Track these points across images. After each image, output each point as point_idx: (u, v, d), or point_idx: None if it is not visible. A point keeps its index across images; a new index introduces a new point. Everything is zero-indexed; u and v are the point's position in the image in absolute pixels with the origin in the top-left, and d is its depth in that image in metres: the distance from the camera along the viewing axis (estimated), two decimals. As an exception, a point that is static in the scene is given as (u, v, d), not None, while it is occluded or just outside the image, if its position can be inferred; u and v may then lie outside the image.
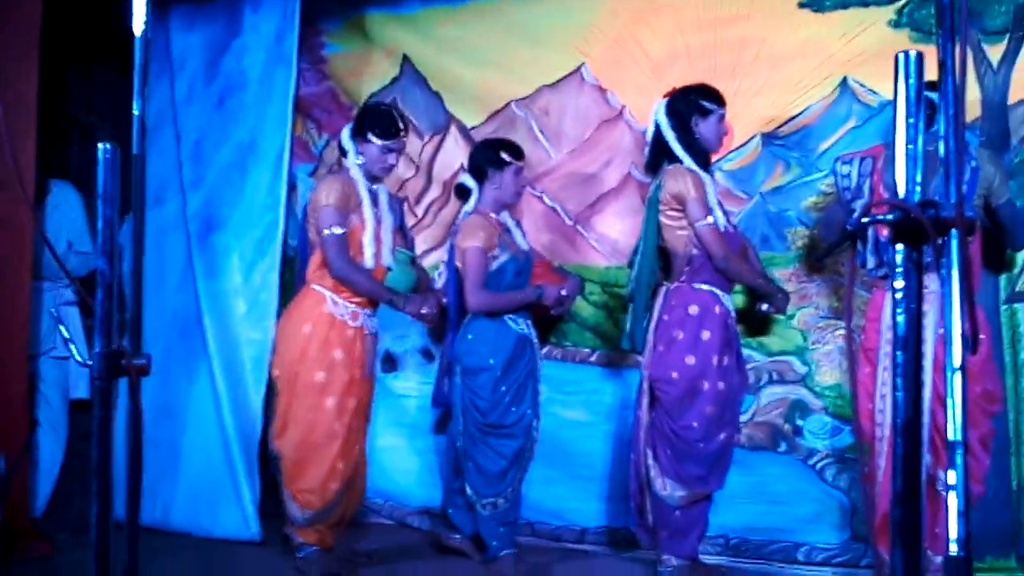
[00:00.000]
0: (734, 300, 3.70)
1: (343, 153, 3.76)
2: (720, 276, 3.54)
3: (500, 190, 3.84)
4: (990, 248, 3.49)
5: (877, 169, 3.35)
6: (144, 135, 1.80)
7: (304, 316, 3.63)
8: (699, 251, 3.52)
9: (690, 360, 3.49)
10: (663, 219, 3.57)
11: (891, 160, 3.30)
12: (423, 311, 3.60)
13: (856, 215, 3.32)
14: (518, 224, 4.01)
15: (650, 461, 3.56)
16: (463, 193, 3.93)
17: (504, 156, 3.83)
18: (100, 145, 1.78)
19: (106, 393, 1.78)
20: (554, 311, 3.92)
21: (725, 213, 3.64)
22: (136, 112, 1.78)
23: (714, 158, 3.72)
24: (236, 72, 4.52)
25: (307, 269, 3.71)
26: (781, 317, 3.81)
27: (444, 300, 3.91)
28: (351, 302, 3.62)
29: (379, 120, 3.65)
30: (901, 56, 1.31)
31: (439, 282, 4.06)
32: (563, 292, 3.85)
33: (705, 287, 3.54)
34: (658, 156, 3.62)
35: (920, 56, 1.31)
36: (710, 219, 3.49)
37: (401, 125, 3.66)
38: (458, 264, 3.81)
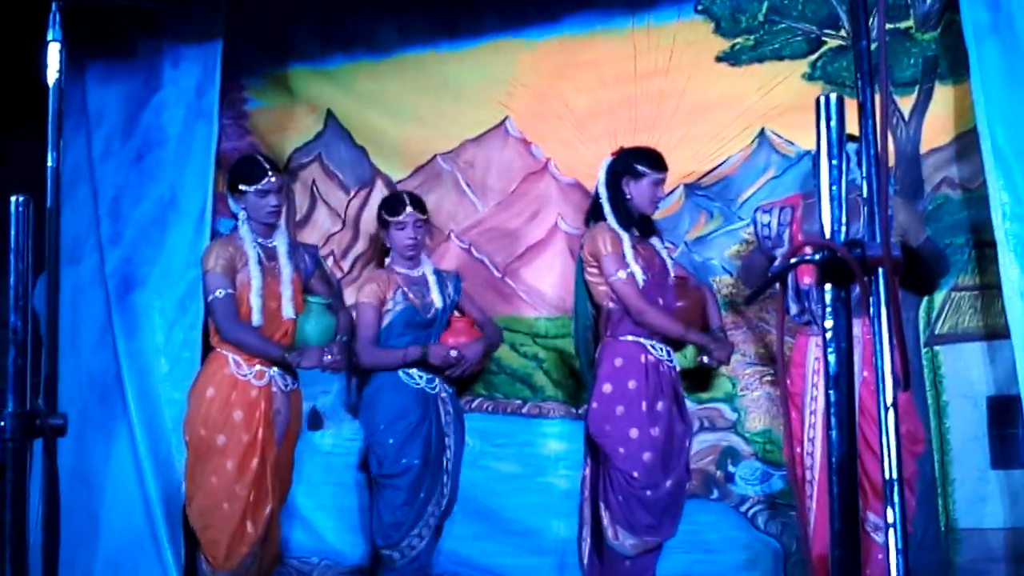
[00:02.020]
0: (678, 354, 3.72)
1: (235, 218, 3.75)
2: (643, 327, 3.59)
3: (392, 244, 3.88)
4: (915, 284, 3.58)
5: (796, 218, 3.44)
6: (59, 188, 1.75)
7: (208, 380, 3.61)
8: (616, 305, 3.59)
9: (619, 410, 3.53)
10: (587, 276, 3.65)
11: (809, 209, 3.39)
12: (325, 359, 3.57)
13: (780, 260, 3.38)
14: (444, 277, 3.96)
15: (601, 511, 3.56)
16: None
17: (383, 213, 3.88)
18: (12, 198, 1.72)
19: (20, 455, 1.71)
20: (450, 373, 3.77)
21: (673, 264, 3.73)
22: (51, 164, 1.73)
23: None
24: (155, 127, 4.45)
25: (211, 333, 3.71)
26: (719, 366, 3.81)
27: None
28: (254, 361, 3.58)
29: (243, 169, 3.68)
30: (822, 99, 1.33)
31: None
32: (451, 353, 3.73)
33: (630, 338, 3.59)
34: (595, 212, 3.69)
35: (841, 99, 1.33)
36: (622, 273, 3.54)
37: (267, 166, 3.66)
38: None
